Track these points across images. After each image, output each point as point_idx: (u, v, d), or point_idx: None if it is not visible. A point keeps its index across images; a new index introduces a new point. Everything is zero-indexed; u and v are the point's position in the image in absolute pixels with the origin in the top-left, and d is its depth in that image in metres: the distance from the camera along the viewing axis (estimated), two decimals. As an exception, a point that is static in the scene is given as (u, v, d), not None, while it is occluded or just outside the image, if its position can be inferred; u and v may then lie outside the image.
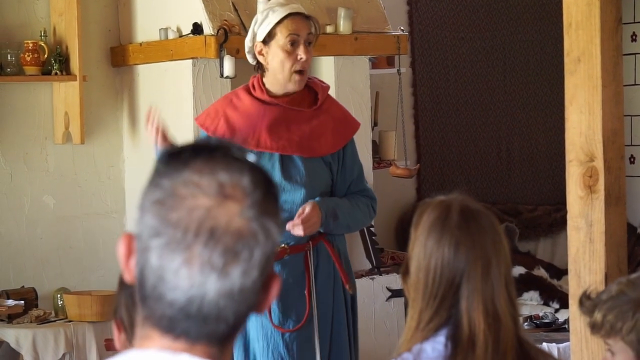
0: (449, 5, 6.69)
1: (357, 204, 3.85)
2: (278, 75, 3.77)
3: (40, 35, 5.25)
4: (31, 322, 4.80)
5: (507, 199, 6.93)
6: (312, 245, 3.76)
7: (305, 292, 3.72)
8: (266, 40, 3.78)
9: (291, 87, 3.78)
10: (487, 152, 6.90)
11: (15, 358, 4.87)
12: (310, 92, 3.86)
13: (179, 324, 1.29)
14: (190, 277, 1.27)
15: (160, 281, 1.28)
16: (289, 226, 3.60)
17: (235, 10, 5.11)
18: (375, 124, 5.84)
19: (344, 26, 5.30)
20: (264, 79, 3.82)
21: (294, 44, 3.76)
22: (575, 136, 3.10)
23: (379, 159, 5.77)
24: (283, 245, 3.63)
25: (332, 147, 3.83)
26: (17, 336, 4.74)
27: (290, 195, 3.73)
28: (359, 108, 5.43)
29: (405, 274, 2.26)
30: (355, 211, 3.83)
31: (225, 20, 5.02)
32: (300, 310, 3.71)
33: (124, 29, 5.56)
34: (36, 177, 5.34)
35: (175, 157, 1.32)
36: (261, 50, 3.78)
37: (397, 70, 5.63)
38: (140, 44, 5.37)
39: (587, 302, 2.33)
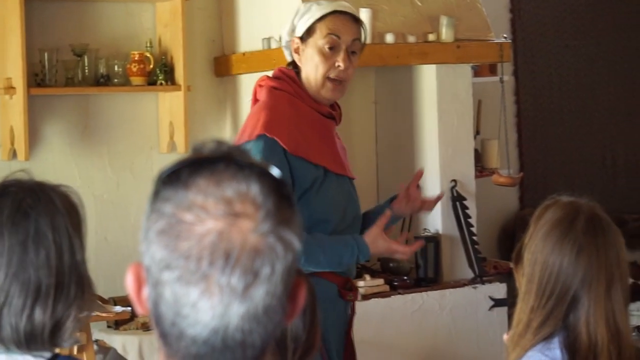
0: (553, 12, 6.62)
1: None
2: (311, 79, 3.23)
3: (146, 46, 5.32)
4: (137, 328, 4.86)
5: (612, 208, 6.75)
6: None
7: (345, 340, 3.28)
8: (304, 37, 3.24)
9: (324, 96, 3.24)
10: (591, 161, 6.79)
11: (121, 364, 4.95)
12: None
13: (205, 358, 1.19)
14: (211, 308, 1.16)
15: (178, 317, 1.18)
16: (390, 252, 3.18)
17: (338, 19, 5.13)
18: (477, 132, 5.80)
19: (446, 34, 5.28)
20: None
21: (332, 47, 3.21)
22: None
23: (481, 168, 5.73)
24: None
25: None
26: (123, 342, 4.80)
27: (357, 220, 3.32)
28: (461, 116, 5.40)
29: (517, 261, 2.23)
30: None
31: (328, 30, 5.04)
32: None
33: (227, 39, 5.62)
34: (142, 186, 5.41)
35: (173, 178, 1.20)
36: (297, 47, 3.25)
37: (500, 78, 5.58)
38: (244, 54, 5.42)
39: None
